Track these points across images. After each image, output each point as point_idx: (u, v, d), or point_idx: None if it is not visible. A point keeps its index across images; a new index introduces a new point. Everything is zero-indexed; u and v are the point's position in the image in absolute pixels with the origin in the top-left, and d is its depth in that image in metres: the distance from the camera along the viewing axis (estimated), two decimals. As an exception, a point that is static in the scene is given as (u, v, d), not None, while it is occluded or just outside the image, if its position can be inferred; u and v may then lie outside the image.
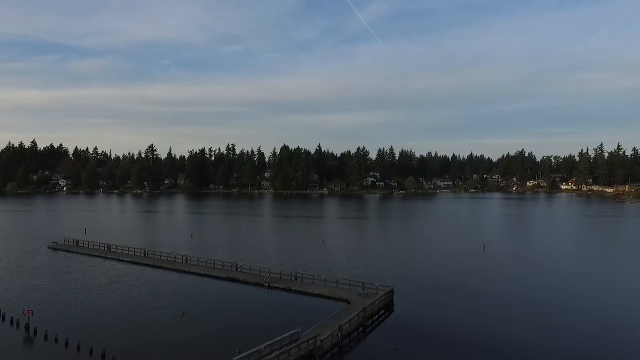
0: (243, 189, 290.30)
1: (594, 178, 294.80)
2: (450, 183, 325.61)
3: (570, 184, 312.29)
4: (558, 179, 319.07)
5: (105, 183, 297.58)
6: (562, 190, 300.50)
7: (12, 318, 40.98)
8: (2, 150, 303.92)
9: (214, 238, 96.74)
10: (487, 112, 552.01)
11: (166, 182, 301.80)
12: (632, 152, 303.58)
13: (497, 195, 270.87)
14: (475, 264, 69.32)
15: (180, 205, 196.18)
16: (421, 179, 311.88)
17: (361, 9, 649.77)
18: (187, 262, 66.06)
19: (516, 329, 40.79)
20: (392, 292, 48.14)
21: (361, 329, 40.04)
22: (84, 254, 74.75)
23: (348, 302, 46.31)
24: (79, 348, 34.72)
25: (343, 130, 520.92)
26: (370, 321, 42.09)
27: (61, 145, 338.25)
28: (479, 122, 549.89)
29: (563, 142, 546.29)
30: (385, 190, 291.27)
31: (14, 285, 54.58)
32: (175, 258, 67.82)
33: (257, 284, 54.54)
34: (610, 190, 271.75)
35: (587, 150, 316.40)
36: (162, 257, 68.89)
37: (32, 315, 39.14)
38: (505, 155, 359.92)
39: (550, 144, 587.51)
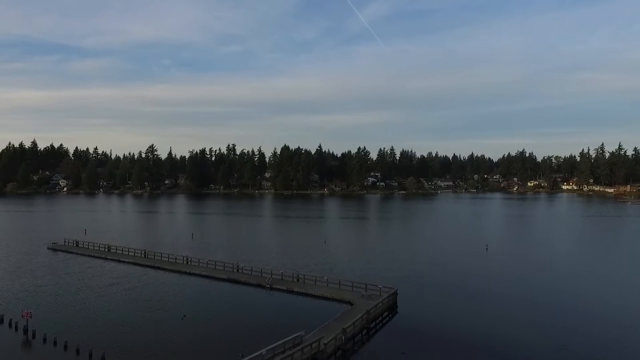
0: (243, 189, 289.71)
1: (594, 178, 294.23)
2: (450, 183, 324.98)
3: (571, 184, 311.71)
4: (559, 179, 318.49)
5: (105, 183, 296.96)
6: (562, 190, 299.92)
7: (10, 320, 40.42)
8: (2, 150, 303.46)
9: (214, 238, 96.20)
10: (487, 112, 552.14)
11: (166, 182, 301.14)
12: (633, 152, 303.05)
13: (498, 195, 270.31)
14: (477, 264, 68.82)
15: (180, 205, 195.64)
16: (422, 179, 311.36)
17: (361, 9, 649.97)
18: (187, 263, 65.52)
19: (520, 330, 40.47)
20: (395, 294, 47.59)
21: (365, 331, 39.49)
22: (84, 255, 74.20)
23: (351, 303, 45.78)
24: (77, 351, 34.17)
25: (343, 130, 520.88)
26: (373, 323, 41.56)
27: (61, 145, 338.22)
28: (479, 122, 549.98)
29: (563, 142, 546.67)
30: (385, 190, 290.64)
31: (13, 287, 54.01)
32: (175, 259, 67.28)
33: (259, 285, 54.00)
34: (611, 190, 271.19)
35: (588, 150, 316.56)
36: (162, 258, 68.34)
37: (31, 317, 38.63)
38: (505, 155, 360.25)
39: (551, 144, 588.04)
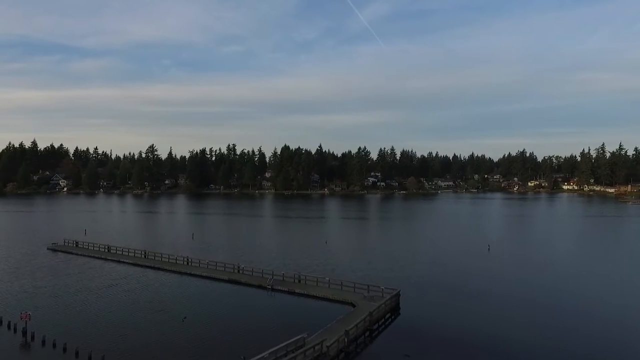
0: (244, 189, 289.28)
1: (595, 178, 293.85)
2: (451, 183, 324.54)
3: (571, 184, 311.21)
4: (559, 179, 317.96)
5: (105, 183, 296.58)
6: (563, 190, 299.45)
7: (9, 322, 39.95)
8: (2, 150, 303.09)
9: (215, 239, 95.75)
10: (487, 112, 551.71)
11: (166, 182, 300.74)
12: (634, 152, 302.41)
13: (498, 195, 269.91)
14: (480, 265, 68.41)
15: (180, 205, 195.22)
16: (422, 179, 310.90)
17: (361, 9, 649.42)
18: (188, 263, 65.06)
19: (523, 330, 40.21)
20: (398, 295, 47.12)
21: (367, 333, 39.02)
22: (84, 255, 73.78)
23: (353, 305, 45.34)
24: (77, 353, 33.73)
25: (343, 130, 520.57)
26: (376, 325, 41.07)
27: (61, 145, 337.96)
28: (479, 122, 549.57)
29: (563, 142, 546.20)
30: (386, 190, 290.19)
31: (12, 288, 53.57)
32: (176, 259, 66.83)
33: (260, 286, 53.53)
34: (612, 190, 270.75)
35: (589, 150, 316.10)
36: (162, 259, 67.89)
37: (29, 319, 38.14)
38: (506, 155, 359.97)
39: (551, 144, 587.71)
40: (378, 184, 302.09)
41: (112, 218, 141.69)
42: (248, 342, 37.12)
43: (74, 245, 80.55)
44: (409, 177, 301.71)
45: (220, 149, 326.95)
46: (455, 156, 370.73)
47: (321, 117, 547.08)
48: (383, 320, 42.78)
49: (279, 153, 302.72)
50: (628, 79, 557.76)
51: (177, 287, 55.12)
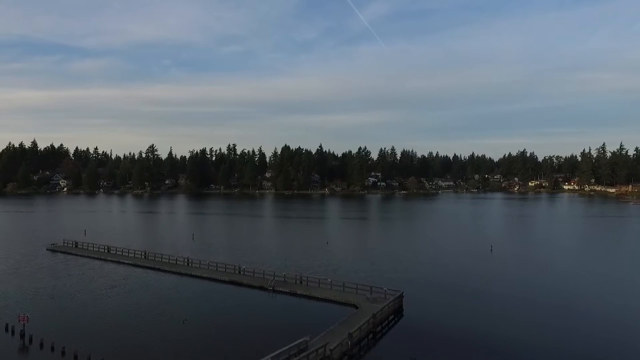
0: (244, 189, 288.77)
1: (596, 178, 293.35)
2: (451, 183, 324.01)
3: (572, 184, 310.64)
4: (560, 179, 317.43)
5: (105, 183, 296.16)
6: (564, 190, 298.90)
7: (7, 324, 39.36)
8: (2, 150, 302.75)
9: (215, 239, 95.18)
10: (487, 112, 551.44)
11: (167, 182, 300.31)
12: (635, 152, 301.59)
13: (499, 195, 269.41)
14: (483, 265, 67.88)
15: (181, 205, 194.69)
16: (422, 179, 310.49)
17: (362, 9, 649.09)
18: (188, 264, 64.49)
19: (529, 331, 39.81)
20: (401, 297, 46.54)
21: (371, 335, 38.41)
22: (83, 256, 73.23)
23: (356, 306, 44.75)
24: (75, 356, 33.12)
25: (343, 130, 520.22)
26: (379, 327, 40.47)
27: (61, 145, 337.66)
28: (480, 122, 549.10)
29: (563, 142, 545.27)
30: (386, 190, 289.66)
31: (11, 289, 53.01)
32: (176, 260, 66.25)
33: (261, 288, 52.96)
34: (612, 190, 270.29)
35: (590, 150, 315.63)
36: (162, 259, 67.33)
37: (27, 321, 37.52)
38: (506, 155, 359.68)
39: (551, 144, 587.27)
40: (378, 184, 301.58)
41: (112, 218, 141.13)
42: (250, 344, 36.60)
43: (74, 245, 80.00)
44: (410, 177, 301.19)
45: (220, 149, 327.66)
46: (455, 156, 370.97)
47: (321, 117, 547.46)
48: (386, 322, 42.18)
49: (279, 153, 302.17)
50: (628, 79, 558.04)
51: (178, 288, 54.55)
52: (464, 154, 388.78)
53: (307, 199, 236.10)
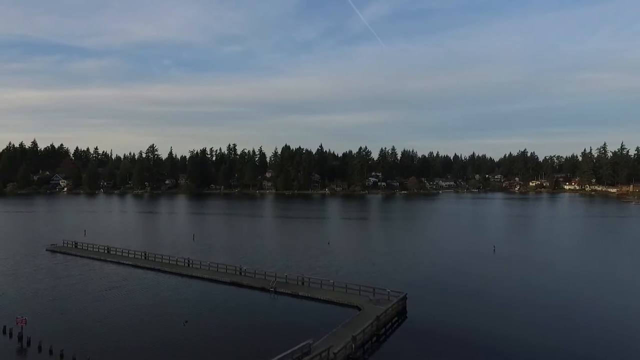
0: (244, 189, 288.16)
1: (597, 178, 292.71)
2: (452, 183, 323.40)
3: (573, 183, 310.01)
4: (561, 179, 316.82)
5: (105, 183, 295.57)
6: (565, 190, 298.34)
7: (4, 327, 38.73)
8: (3, 150, 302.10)
9: (216, 239, 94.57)
10: (487, 112, 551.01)
11: (167, 182, 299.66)
12: (636, 152, 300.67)
13: (500, 195, 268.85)
14: (486, 266, 67.31)
15: (181, 205, 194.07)
16: (423, 179, 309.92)
17: (362, 9, 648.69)
18: (189, 265, 63.90)
19: (535, 332, 39.46)
20: (404, 298, 45.93)
21: (375, 338, 37.84)
22: (83, 257, 72.63)
23: (359, 308, 44.17)
24: (74, 359, 32.55)
25: (343, 130, 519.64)
26: (383, 329, 39.88)
27: (61, 145, 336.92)
28: (480, 122, 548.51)
29: (564, 141, 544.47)
30: (387, 190, 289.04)
31: (9, 291, 52.41)
32: (177, 261, 65.66)
33: (263, 289, 52.35)
34: (613, 190, 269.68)
35: (590, 150, 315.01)
36: (163, 260, 66.76)
37: (26, 324, 36.95)
38: (507, 155, 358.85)
39: (551, 144, 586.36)
40: (379, 184, 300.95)
41: (112, 218, 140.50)
42: (251, 346, 36.09)
43: (73, 246, 79.40)
44: (410, 177, 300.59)
45: (220, 149, 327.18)
46: (456, 156, 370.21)
47: (321, 117, 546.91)
48: (390, 324, 41.58)
49: (279, 153, 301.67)
50: (628, 79, 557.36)
51: (178, 289, 53.95)
52: (465, 154, 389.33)
53: (308, 199, 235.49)
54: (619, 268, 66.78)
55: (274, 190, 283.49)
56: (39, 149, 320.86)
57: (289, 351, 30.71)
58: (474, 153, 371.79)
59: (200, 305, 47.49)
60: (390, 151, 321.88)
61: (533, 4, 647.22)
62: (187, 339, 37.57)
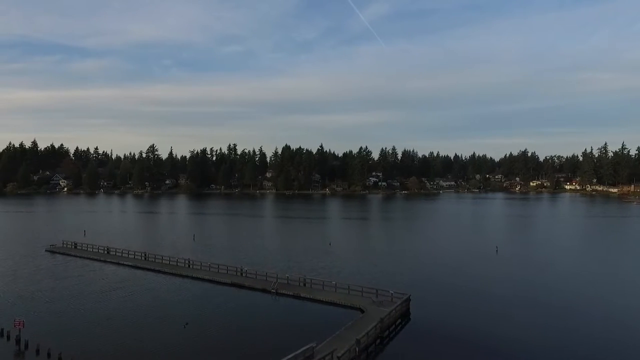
0: (244, 189, 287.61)
1: (598, 178, 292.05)
2: (452, 183, 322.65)
3: (574, 183, 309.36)
4: (561, 179, 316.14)
5: (105, 183, 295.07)
6: (565, 190, 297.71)
7: (2, 329, 38.09)
8: (3, 150, 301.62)
9: (216, 240, 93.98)
10: (487, 112, 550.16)
11: (167, 182, 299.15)
12: (637, 152, 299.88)
13: (500, 195, 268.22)
14: (489, 267, 66.72)
15: (181, 205, 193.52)
16: (424, 179, 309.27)
17: (362, 9, 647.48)
18: (189, 266, 63.32)
19: (535, 332, 39.14)
20: (408, 300, 45.30)
21: (378, 340, 37.22)
22: (83, 257, 72.02)
23: (362, 310, 43.58)
24: (73, 363, 32.04)
25: (344, 130, 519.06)
26: (387, 332, 39.27)
27: (62, 145, 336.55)
28: (480, 122, 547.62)
29: (564, 141, 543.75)
30: (387, 190, 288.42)
31: (7, 292, 51.82)
32: (177, 262, 65.08)
33: (264, 290, 51.76)
34: (614, 190, 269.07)
35: (591, 150, 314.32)
36: (163, 261, 66.19)
37: (23, 326, 36.36)
38: (507, 155, 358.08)
39: (551, 144, 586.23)
40: (379, 184, 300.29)
41: (112, 218, 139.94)
42: (253, 349, 35.56)
43: (73, 247, 78.82)
44: (411, 177, 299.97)
45: (220, 149, 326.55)
46: (456, 156, 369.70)
47: (321, 117, 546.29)
48: (394, 326, 40.97)
49: (279, 153, 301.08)
50: (628, 79, 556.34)
51: (178, 290, 53.37)
52: (465, 154, 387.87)
53: (308, 199, 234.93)
54: (619, 268, 66.45)
55: (274, 190, 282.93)
56: (39, 149, 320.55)
57: (291, 355, 30.08)
58: (474, 153, 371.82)
59: (201, 306, 46.90)
60: (390, 151, 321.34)
61: (533, 4, 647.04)
62: (187, 341, 36.98)
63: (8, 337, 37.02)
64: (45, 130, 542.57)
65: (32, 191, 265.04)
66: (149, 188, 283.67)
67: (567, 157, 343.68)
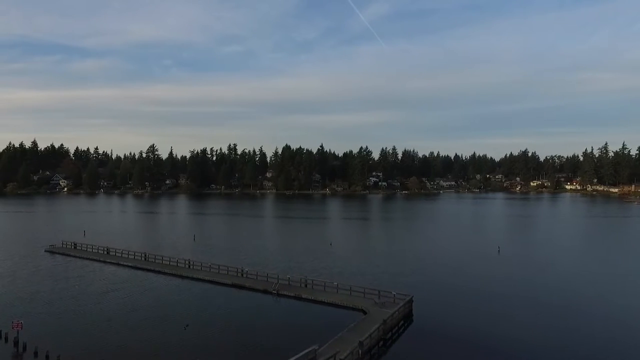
0: (245, 189, 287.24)
1: (598, 178, 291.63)
2: (453, 183, 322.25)
3: (574, 183, 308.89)
4: (562, 179, 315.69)
5: (106, 183, 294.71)
6: (566, 190, 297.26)
7: (0, 331, 37.66)
8: (3, 150, 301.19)
9: (217, 240, 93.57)
10: (487, 112, 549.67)
11: (167, 182, 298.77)
12: (637, 152, 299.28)
13: (501, 195, 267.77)
14: (492, 267, 66.34)
15: (181, 205, 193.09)
16: (424, 179, 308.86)
17: (362, 9, 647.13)
18: (189, 266, 62.91)
19: (536, 332, 38.89)
20: (411, 301, 44.88)
21: (381, 342, 36.76)
22: (82, 258, 71.62)
23: (364, 311, 43.17)
24: (72, 365, 31.63)
25: (344, 130, 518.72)
26: (389, 334, 38.82)
27: (62, 145, 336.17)
28: (480, 122, 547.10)
29: (564, 141, 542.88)
30: (387, 190, 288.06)
31: (6, 293, 51.41)
32: (177, 262, 64.68)
33: (265, 291, 51.35)
34: (615, 190, 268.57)
35: (592, 149, 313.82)
36: (163, 261, 65.78)
37: (22, 328, 35.87)
38: (507, 155, 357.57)
39: (552, 144, 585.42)
40: (380, 184, 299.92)
41: (112, 219, 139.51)
42: (254, 350, 35.18)
43: (73, 247, 78.41)
44: (411, 177, 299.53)
45: (221, 149, 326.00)
46: (456, 156, 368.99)
47: (322, 117, 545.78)
48: (397, 328, 40.55)
49: (280, 153, 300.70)
50: (628, 79, 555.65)
51: (179, 291, 52.98)
52: (465, 153, 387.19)
53: (309, 199, 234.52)
54: (620, 268, 66.09)
55: (274, 190, 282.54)
56: (39, 149, 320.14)
57: (293, 357, 29.61)
58: (474, 153, 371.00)
59: (201, 307, 46.48)
60: (391, 151, 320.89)
61: (533, 4, 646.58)
62: (187, 342, 36.58)
63: (6, 339, 36.57)
64: (45, 130, 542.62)
65: (32, 191, 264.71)
66: (149, 188, 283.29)
67: (567, 157, 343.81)
